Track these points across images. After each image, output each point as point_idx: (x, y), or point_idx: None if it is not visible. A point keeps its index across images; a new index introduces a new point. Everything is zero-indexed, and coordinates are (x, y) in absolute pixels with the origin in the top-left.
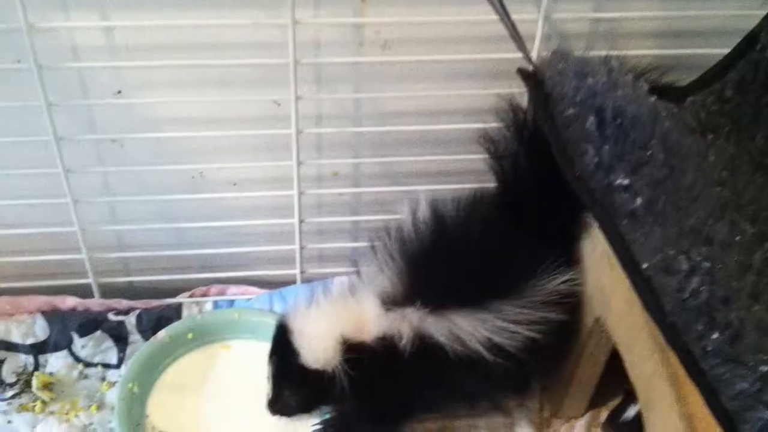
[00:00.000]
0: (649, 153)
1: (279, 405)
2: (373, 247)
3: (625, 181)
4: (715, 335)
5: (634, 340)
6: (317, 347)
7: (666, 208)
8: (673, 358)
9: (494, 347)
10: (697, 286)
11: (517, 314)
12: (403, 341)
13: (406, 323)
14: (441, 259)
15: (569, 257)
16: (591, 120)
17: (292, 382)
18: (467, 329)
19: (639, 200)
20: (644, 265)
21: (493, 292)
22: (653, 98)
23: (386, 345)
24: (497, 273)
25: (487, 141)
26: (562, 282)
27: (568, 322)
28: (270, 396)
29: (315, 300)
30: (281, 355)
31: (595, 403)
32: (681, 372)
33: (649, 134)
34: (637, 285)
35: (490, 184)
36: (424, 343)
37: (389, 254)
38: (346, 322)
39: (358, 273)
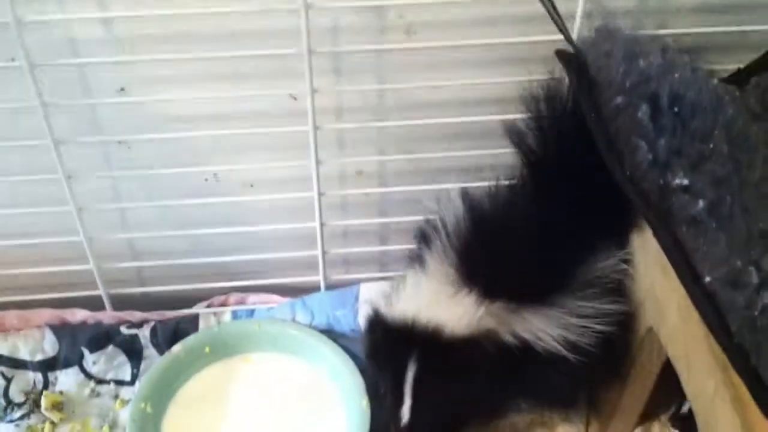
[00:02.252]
0: (711, 146)
1: (419, 419)
2: (425, 239)
3: (685, 181)
4: None
5: (692, 355)
6: (461, 311)
7: (732, 211)
8: (739, 380)
9: (569, 344)
10: None
11: (580, 308)
12: (503, 335)
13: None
14: (492, 255)
15: (621, 243)
16: (644, 109)
17: (438, 375)
18: (540, 326)
19: (701, 203)
20: (707, 279)
21: (552, 286)
22: (714, 81)
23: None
24: (550, 266)
25: (516, 133)
26: (618, 264)
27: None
28: (407, 415)
29: (414, 285)
30: (415, 351)
31: (645, 418)
32: (748, 396)
33: (712, 124)
34: (699, 301)
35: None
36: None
37: (442, 250)
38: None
39: (422, 267)
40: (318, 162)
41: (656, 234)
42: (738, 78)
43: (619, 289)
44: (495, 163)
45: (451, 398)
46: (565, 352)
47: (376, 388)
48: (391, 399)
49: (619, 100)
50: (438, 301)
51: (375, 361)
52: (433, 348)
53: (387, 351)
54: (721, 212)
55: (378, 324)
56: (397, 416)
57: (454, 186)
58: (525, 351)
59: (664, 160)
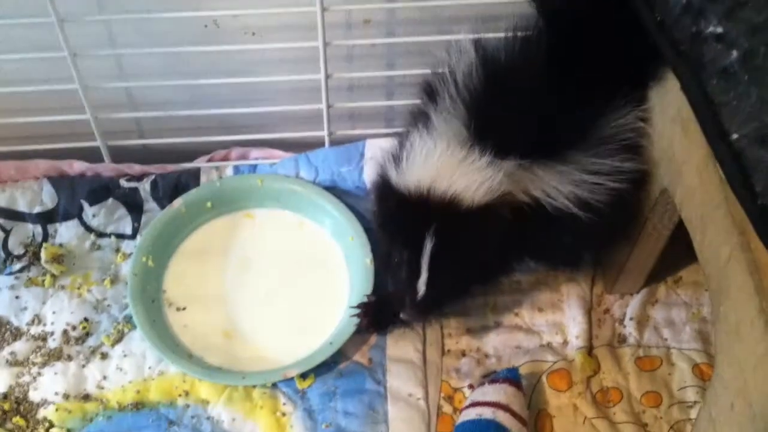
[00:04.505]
0: None
1: (435, 291)
2: (431, 94)
3: (719, 29)
4: None
5: (708, 218)
6: (480, 178)
7: (766, 62)
8: (757, 244)
9: (580, 201)
10: None
11: (593, 164)
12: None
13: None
14: (505, 109)
15: (639, 99)
16: None
17: (455, 246)
18: (552, 183)
19: (734, 53)
20: (734, 136)
21: (565, 142)
22: None
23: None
24: (565, 121)
25: None
26: (634, 121)
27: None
28: (423, 288)
29: (424, 151)
30: (433, 224)
31: (651, 280)
32: (765, 260)
33: None
34: (724, 159)
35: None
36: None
37: (451, 105)
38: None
39: (428, 125)
40: (323, 8)
41: (684, 87)
42: None
43: (634, 146)
44: (511, 12)
45: (466, 267)
46: (575, 210)
47: (389, 258)
48: (407, 271)
49: None
50: (452, 168)
51: (388, 232)
52: (452, 219)
53: (402, 222)
54: (754, 64)
55: (390, 193)
56: (413, 288)
57: (466, 36)
58: (535, 210)
59: (698, 6)
